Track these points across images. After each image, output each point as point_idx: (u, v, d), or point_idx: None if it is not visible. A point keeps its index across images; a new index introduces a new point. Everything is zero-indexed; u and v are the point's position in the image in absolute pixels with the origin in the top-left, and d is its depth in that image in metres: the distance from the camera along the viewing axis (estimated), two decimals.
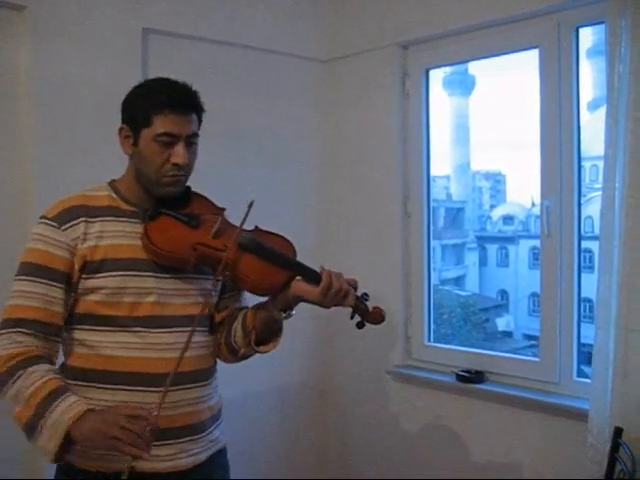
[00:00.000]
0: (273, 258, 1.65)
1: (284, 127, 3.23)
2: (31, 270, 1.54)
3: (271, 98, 3.17)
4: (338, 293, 1.61)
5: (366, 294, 1.72)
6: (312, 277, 1.63)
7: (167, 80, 1.63)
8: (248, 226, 1.68)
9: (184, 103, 1.58)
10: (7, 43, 2.43)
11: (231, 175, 2.95)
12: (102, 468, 1.51)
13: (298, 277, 1.65)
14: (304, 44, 3.28)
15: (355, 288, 1.67)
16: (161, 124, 1.56)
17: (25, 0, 2.40)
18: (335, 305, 1.64)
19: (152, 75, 2.61)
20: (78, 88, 2.53)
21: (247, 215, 1.65)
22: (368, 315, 1.72)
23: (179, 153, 1.57)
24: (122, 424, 1.32)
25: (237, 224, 1.66)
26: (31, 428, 1.41)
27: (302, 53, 3.28)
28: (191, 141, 1.61)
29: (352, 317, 1.71)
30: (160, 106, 1.55)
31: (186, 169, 1.61)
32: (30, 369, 1.44)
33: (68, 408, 1.38)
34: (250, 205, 1.65)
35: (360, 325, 1.72)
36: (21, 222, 2.42)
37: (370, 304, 1.73)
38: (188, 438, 1.62)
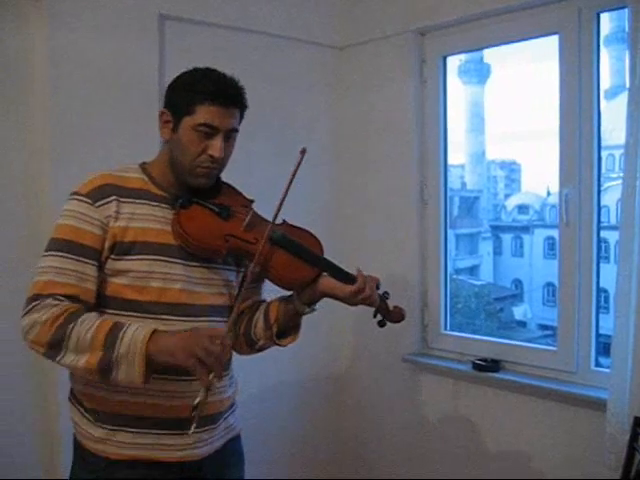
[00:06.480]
0: (303, 254, 1.68)
1: (299, 114, 3.22)
2: (62, 246, 1.51)
3: (286, 85, 3.15)
4: (368, 298, 1.66)
5: (387, 293, 1.78)
6: (342, 276, 1.67)
7: (215, 71, 1.61)
8: (276, 220, 1.68)
9: (229, 96, 1.57)
10: (23, 31, 2.43)
11: (243, 162, 2.91)
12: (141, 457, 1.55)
13: (324, 273, 1.68)
14: (320, 30, 3.26)
15: (377, 287, 1.70)
16: (203, 114, 1.54)
17: None
18: (361, 304, 1.69)
19: (168, 61, 2.67)
20: (94, 75, 2.53)
21: (299, 165, 1.70)
22: (389, 314, 1.78)
23: (217, 146, 1.56)
24: (205, 345, 1.35)
25: (264, 216, 1.68)
26: (105, 369, 1.40)
27: (318, 40, 3.26)
28: (229, 136, 1.60)
29: (375, 316, 1.77)
30: (205, 96, 1.54)
31: (220, 162, 1.61)
32: (80, 319, 1.43)
33: (136, 332, 1.40)
34: (302, 152, 1.69)
35: (382, 323, 1.78)
36: (36, 207, 2.44)
37: (387, 296, 1.78)
38: (206, 427, 1.62)
